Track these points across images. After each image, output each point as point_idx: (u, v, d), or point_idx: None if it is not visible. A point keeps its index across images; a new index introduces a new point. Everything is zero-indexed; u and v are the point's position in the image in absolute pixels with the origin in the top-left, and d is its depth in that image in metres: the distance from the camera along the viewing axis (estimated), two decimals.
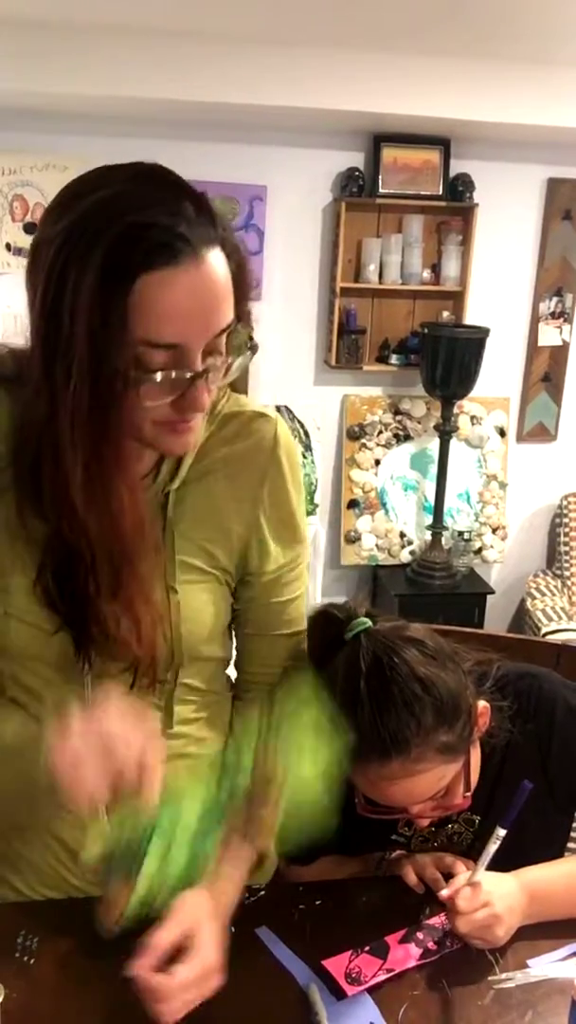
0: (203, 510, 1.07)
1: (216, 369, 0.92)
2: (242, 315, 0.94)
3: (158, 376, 0.87)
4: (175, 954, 0.93)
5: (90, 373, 0.85)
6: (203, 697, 1.16)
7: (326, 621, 1.16)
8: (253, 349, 0.96)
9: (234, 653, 1.22)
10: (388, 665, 1.07)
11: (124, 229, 0.83)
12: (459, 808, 1.16)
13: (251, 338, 0.96)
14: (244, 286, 0.93)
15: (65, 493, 0.93)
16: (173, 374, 0.88)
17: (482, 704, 1.16)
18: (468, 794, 1.14)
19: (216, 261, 0.87)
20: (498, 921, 1.07)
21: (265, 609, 1.16)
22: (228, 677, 1.25)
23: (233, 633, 1.20)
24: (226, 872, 1.05)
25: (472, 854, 1.21)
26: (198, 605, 1.08)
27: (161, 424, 0.93)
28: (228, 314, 0.90)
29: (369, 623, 1.12)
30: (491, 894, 1.08)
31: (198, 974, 0.93)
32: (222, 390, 1.09)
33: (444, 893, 1.09)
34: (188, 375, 0.89)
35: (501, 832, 1.07)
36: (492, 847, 1.08)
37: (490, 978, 1.07)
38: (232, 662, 1.23)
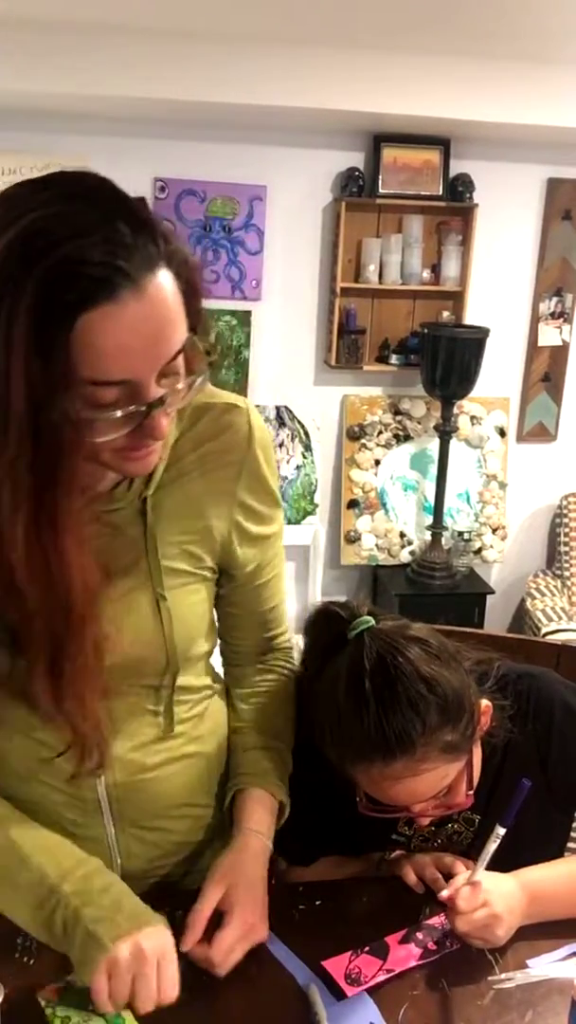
0: (182, 512, 1.05)
1: (174, 392, 0.87)
2: (197, 323, 0.89)
3: (117, 412, 0.83)
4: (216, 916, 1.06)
5: (30, 424, 0.79)
6: (196, 694, 1.16)
7: (328, 619, 1.15)
8: (212, 364, 0.91)
9: (217, 642, 1.24)
10: (392, 664, 1.06)
11: (55, 265, 0.76)
12: (461, 807, 1.16)
13: (208, 352, 0.91)
14: (196, 295, 0.87)
15: (2, 559, 0.85)
16: (131, 407, 0.83)
17: (485, 703, 1.16)
18: (471, 793, 1.14)
19: (161, 283, 0.81)
20: (498, 921, 1.07)
21: (250, 592, 1.18)
22: (213, 667, 1.26)
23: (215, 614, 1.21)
24: (250, 824, 1.13)
25: (472, 853, 1.21)
26: (187, 608, 1.08)
27: (119, 450, 0.88)
28: (180, 335, 0.85)
29: (372, 622, 1.11)
30: (491, 894, 1.08)
31: (240, 933, 1.04)
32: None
33: (444, 893, 1.09)
34: (143, 407, 0.84)
35: (501, 831, 1.07)
36: (492, 846, 1.08)
37: (490, 978, 1.07)
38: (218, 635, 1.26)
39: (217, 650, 1.26)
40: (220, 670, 1.29)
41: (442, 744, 1.07)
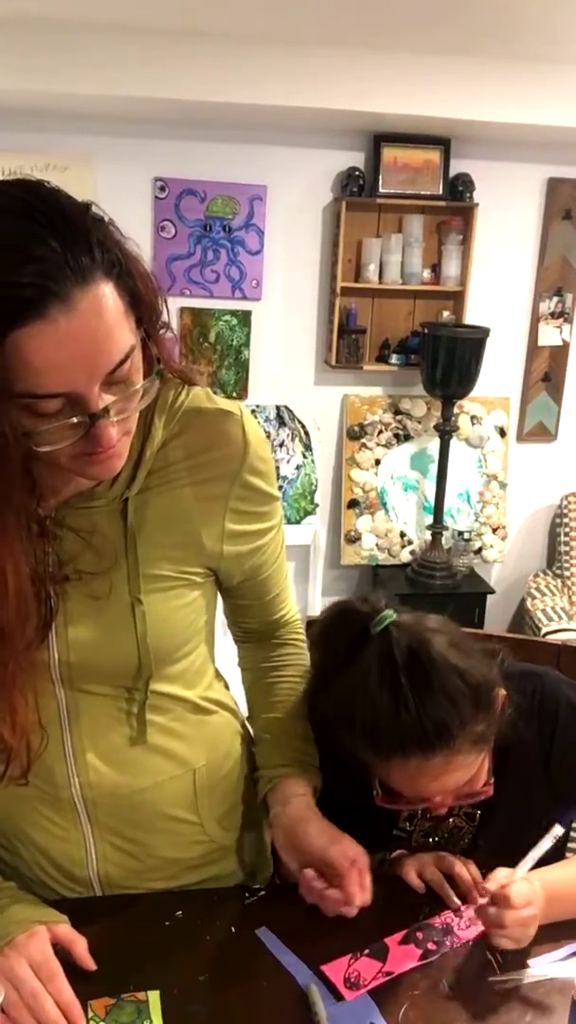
0: (169, 516, 1.03)
1: (126, 398, 0.87)
2: (150, 332, 0.89)
3: (59, 423, 0.83)
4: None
5: None
6: (180, 705, 1.13)
7: (347, 615, 1.14)
8: (159, 374, 0.90)
9: (218, 653, 1.23)
10: (425, 657, 1.06)
11: None
12: (483, 795, 1.16)
13: (158, 360, 0.91)
14: (145, 304, 0.88)
15: None
16: (74, 418, 0.83)
17: (501, 691, 1.15)
18: (491, 781, 1.14)
19: (96, 297, 0.81)
20: (535, 920, 1.08)
21: (256, 585, 1.18)
22: (226, 688, 1.25)
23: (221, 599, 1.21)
24: (293, 793, 1.15)
25: (473, 852, 1.22)
26: (165, 614, 1.05)
27: (78, 456, 0.88)
28: (121, 346, 0.84)
29: (395, 615, 1.10)
30: (535, 892, 1.07)
31: (347, 865, 1.07)
32: (177, 385, 1.04)
33: (490, 886, 1.07)
34: (86, 418, 0.84)
35: (559, 831, 1.07)
36: (546, 843, 1.08)
37: (490, 978, 1.07)
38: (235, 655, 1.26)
39: (227, 677, 1.26)
40: (224, 693, 1.26)
41: (475, 735, 1.08)
